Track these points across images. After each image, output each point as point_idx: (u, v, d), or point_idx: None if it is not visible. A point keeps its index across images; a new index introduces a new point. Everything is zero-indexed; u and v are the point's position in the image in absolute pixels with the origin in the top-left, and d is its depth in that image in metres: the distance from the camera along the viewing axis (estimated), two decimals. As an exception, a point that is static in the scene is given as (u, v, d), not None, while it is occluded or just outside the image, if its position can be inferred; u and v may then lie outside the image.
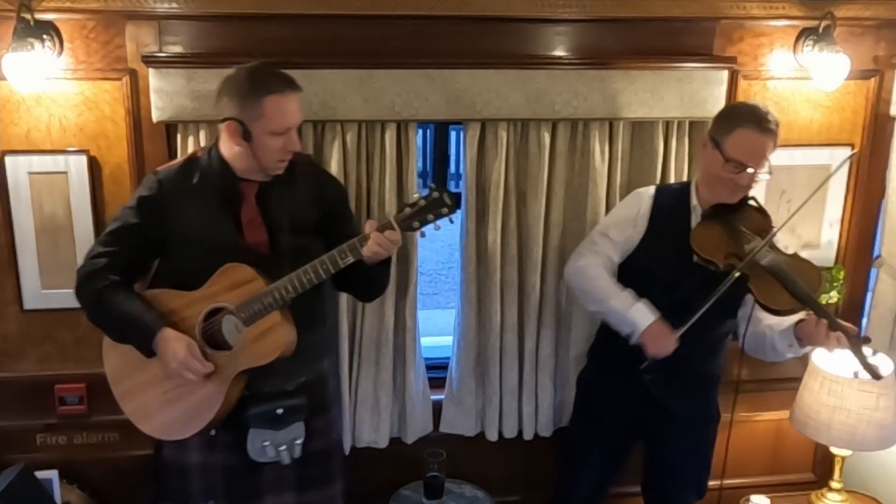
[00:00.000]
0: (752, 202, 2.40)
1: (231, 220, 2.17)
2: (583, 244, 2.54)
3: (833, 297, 2.99)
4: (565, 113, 2.70)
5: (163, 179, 2.19)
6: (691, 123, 2.81)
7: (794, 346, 2.34)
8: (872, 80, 2.90)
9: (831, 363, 2.70)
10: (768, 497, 2.80)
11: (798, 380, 2.82)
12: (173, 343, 2.11)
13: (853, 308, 3.14)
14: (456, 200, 2.05)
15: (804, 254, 3.01)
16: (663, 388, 2.46)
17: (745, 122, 2.28)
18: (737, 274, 2.23)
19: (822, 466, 3.19)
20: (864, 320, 3.11)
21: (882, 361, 2.70)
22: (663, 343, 2.30)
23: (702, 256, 2.29)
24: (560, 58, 2.71)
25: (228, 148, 2.16)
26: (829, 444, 2.75)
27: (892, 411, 2.65)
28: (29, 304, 2.73)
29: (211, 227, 2.16)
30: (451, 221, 2.06)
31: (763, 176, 2.32)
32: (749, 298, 2.35)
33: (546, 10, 2.63)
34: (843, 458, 2.82)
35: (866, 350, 2.26)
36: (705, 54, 2.78)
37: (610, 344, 2.56)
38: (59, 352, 2.79)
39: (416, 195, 2.06)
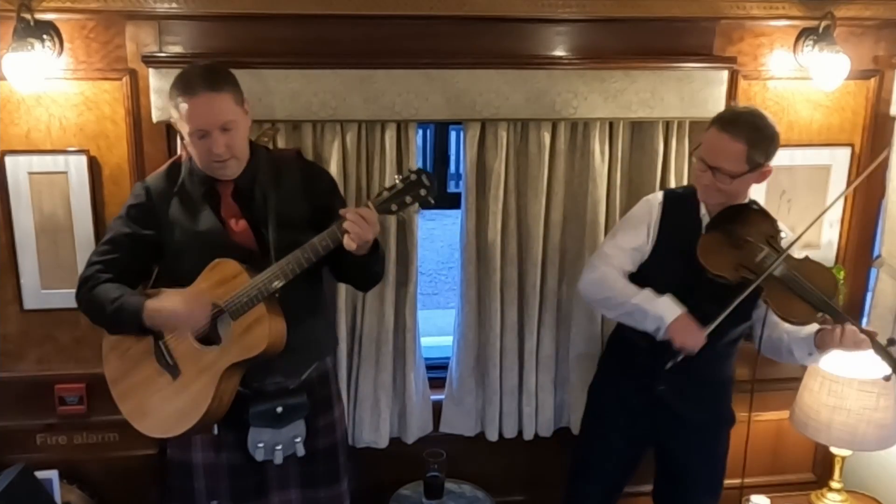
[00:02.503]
0: (754, 206, 2.36)
1: (216, 219, 2.19)
2: (595, 257, 2.50)
3: (833, 297, 2.99)
4: (565, 113, 2.70)
5: (149, 187, 2.23)
6: (691, 123, 2.81)
7: (813, 355, 2.30)
8: (872, 80, 2.90)
9: (832, 363, 2.70)
10: (768, 497, 2.80)
11: (798, 380, 2.82)
12: (164, 304, 2.12)
13: (853, 308, 3.14)
14: (434, 180, 2.03)
15: (804, 254, 3.02)
16: (676, 397, 2.44)
17: (716, 121, 2.28)
18: (749, 291, 2.20)
19: (822, 466, 3.19)
20: (865, 320, 3.11)
21: (882, 361, 2.70)
22: (691, 336, 2.24)
23: (711, 272, 2.25)
24: (560, 58, 2.71)
25: None
26: (829, 444, 2.75)
27: (892, 411, 2.65)
28: (29, 304, 2.73)
29: (198, 227, 2.18)
30: (432, 202, 2.04)
31: (723, 179, 2.26)
32: (759, 304, 2.33)
33: (546, 10, 2.63)
34: (843, 458, 2.83)
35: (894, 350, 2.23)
36: (705, 54, 2.78)
37: (621, 354, 2.55)
38: (59, 352, 2.79)
39: (395, 178, 2.05)
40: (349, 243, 2.02)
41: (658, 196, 2.48)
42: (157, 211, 2.20)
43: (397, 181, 2.04)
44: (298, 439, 2.28)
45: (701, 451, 2.57)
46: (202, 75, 2.09)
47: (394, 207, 2.04)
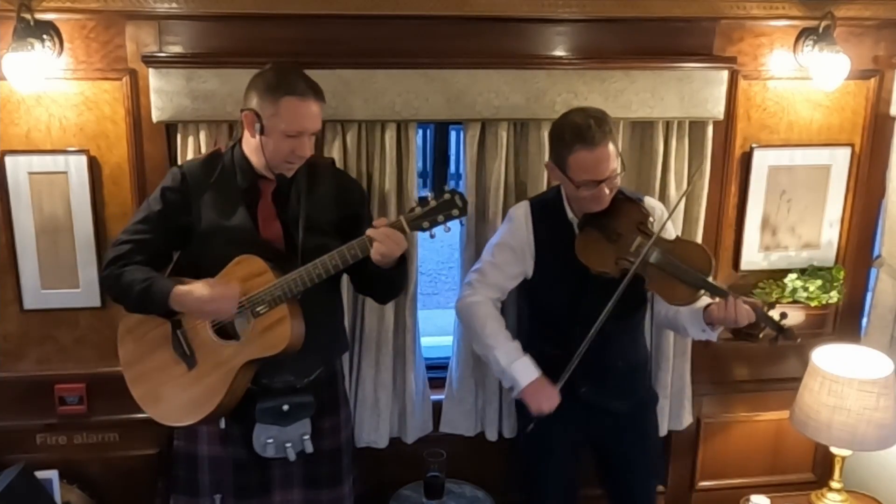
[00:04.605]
0: (619, 195, 2.36)
1: (248, 215, 2.21)
2: (472, 275, 2.50)
3: (833, 297, 2.99)
4: (565, 113, 2.70)
5: (186, 172, 2.25)
6: (691, 123, 2.81)
7: (706, 331, 2.34)
8: (872, 80, 2.90)
9: (832, 363, 2.71)
10: (768, 497, 2.79)
11: (798, 380, 2.82)
12: (193, 291, 2.13)
13: (853, 308, 3.14)
14: (467, 202, 2.07)
15: (804, 254, 3.03)
16: (602, 395, 2.45)
17: (572, 145, 2.22)
18: (626, 280, 2.24)
19: (822, 466, 3.19)
20: (864, 320, 3.11)
21: (882, 361, 2.71)
22: (545, 399, 2.30)
23: (593, 269, 2.29)
24: (560, 58, 2.71)
25: (248, 143, 2.21)
26: (829, 444, 2.75)
27: (892, 411, 2.65)
28: (29, 304, 2.73)
29: (229, 221, 2.20)
30: (462, 224, 2.08)
31: (617, 178, 2.28)
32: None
33: (546, 10, 2.63)
34: (843, 458, 2.82)
35: (775, 314, 2.28)
36: (705, 54, 2.78)
37: (542, 367, 2.53)
38: (59, 352, 2.79)
39: (428, 195, 2.07)
40: (376, 255, 2.06)
41: (523, 207, 2.47)
42: (191, 197, 2.22)
43: (431, 198, 2.06)
44: (307, 437, 2.29)
45: (633, 437, 2.59)
46: (307, 82, 2.14)
47: (425, 225, 2.06)
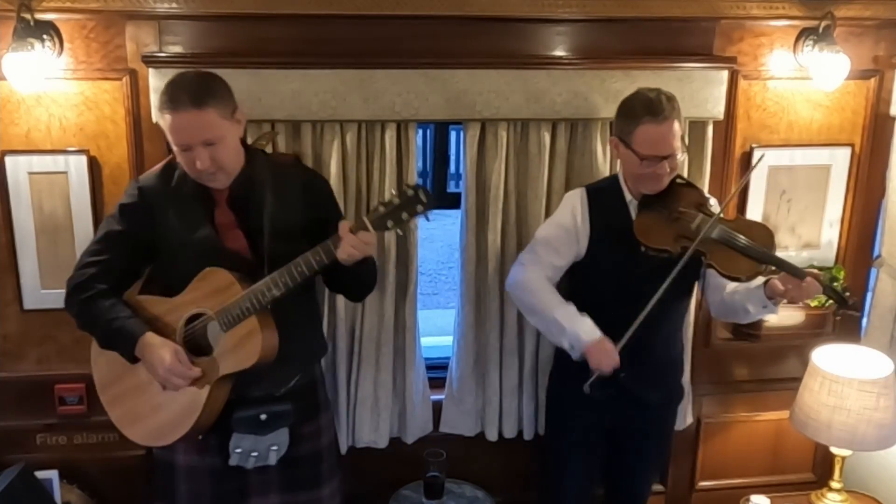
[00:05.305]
0: (679, 180, 2.41)
1: (211, 226, 2.16)
2: (523, 254, 2.53)
3: (833, 297, 2.99)
4: (565, 113, 2.70)
5: (143, 186, 2.19)
6: (691, 123, 2.81)
7: (768, 307, 2.36)
8: (872, 80, 2.90)
9: (832, 363, 2.71)
10: (768, 497, 2.80)
11: (798, 380, 2.82)
12: (159, 349, 2.09)
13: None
14: (432, 197, 1.99)
15: (804, 254, 3.03)
16: (639, 384, 2.46)
17: (641, 117, 2.27)
18: (687, 255, 2.26)
19: (822, 466, 3.19)
20: (864, 320, 3.11)
21: (882, 361, 2.71)
22: (607, 357, 2.30)
23: (652, 247, 2.31)
24: (560, 58, 2.71)
25: None
26: (829, 444, 2.75)
27: (892, 411, 2.65)
28: (29, 304, 2.73)
29: (192, 233, 2.14)
30: (428, 219, 2.01)
31: (680, 156, 2.34)
32: (703, 272, 2.38)
33: (546, 10, 2.63)
34: (843, 458, 2.82)
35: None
36: (705, 54, 2.78)
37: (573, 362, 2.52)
38: (59, 352, 2.79)
39: (392, 192, 2.03)
40: (343, 255, 2.00)
41: (578, 191, 2.50)
42: (151, 211, 2.16)
43: (393, 196, 1.99)
44: (275, 447, 2.25)
45: (653, 430, 2.63)
46: (188, 89, 2.02)
47: (390, 224, 1.99)
